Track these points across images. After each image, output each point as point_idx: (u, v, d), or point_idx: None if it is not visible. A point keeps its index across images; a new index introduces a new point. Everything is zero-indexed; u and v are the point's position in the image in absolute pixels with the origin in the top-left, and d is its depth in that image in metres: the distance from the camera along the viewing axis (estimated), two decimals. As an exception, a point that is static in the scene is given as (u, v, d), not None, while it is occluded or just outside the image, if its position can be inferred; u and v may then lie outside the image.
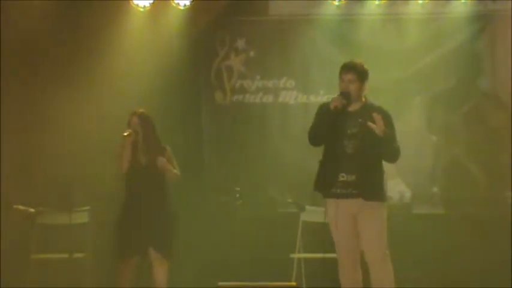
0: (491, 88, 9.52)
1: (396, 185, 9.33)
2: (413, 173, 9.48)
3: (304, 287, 8.63)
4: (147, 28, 9.32)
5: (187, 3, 9.31)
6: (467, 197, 9.27)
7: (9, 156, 8.81)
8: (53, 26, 8.88)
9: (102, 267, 8.60)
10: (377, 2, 9.39)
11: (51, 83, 8.94)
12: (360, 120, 6.36)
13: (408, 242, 8.49)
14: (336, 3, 9.40)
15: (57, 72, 9.00)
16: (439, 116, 9.55)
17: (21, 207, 8.61)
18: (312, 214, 8.26)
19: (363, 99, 6.49)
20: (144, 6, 9.28)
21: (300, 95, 9.72)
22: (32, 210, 8.65)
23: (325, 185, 6.45)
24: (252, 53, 9.78)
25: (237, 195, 8.66)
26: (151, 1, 9.26)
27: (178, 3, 9.32)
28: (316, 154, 6.63)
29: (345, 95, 6.39)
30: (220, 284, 7.84)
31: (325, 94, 9.45)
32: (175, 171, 7.57)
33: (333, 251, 6.65)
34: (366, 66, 6.48)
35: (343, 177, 6.39)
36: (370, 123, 6.24)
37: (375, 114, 6.24)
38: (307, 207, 8.70)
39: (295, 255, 8.83)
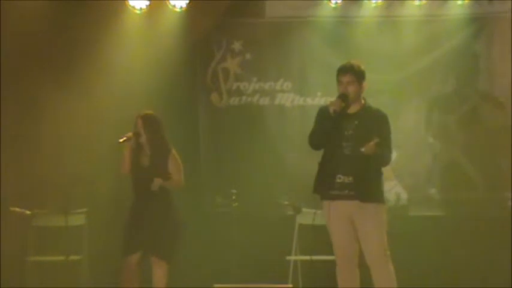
0: (489, 90, 9.51)
1: (393, 187, 9.32)
2: (411, 175, 9.48)
3: (300, 290, 8.65)
4: (144, 30, 9.31)
5: (184, 5, 9.30)
6: (466, 199, 9.27)
7: (5, 159, 8.79)
8: (49, 27, 8.86)
9: (99, 270, 8.60)
10: (374, 4, 9.38)
11: (47, 85, 8.92)
12: (356, 122, 6.36)
13: (406, 244, 8.48)
14: (333, 5, 9.40)
15: (53, 74, 8.98)
16: (436, 118, 9.54)
17: (17, 209, 8.59)
18: (309, 216, 8.24)
19: (362, 101, 6.49)
20: (141, 8, 9.27)
21: (297, 97, 9.69)
22: (28, 212, 8.64)
23: (323, 186, 6.45)
24: (248, 55, 9.75)
25: (233, 197, 8.64)
26: (148, 3, 9.26)
27: (174, 5, 9.31)
28: (313, 156, 6.64)
29: (343, 97, 6.38)
30: (216, 286, 7.84)
31: (322, 96, 9.45)
32: (176, 176, 7.51)
33: (330, 253, 6.64)
34: (362, 67, 6.48)
35: (340, 178, 6.39)
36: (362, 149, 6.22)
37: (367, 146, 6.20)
38: (304, 209, 8.70)
39: (292, 258, 8.83)
